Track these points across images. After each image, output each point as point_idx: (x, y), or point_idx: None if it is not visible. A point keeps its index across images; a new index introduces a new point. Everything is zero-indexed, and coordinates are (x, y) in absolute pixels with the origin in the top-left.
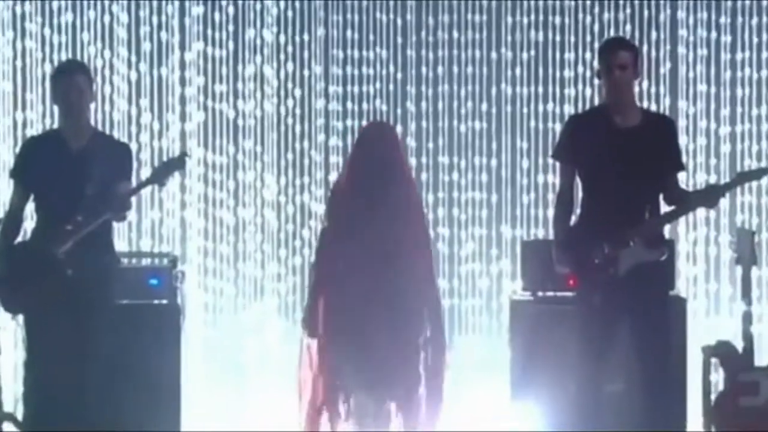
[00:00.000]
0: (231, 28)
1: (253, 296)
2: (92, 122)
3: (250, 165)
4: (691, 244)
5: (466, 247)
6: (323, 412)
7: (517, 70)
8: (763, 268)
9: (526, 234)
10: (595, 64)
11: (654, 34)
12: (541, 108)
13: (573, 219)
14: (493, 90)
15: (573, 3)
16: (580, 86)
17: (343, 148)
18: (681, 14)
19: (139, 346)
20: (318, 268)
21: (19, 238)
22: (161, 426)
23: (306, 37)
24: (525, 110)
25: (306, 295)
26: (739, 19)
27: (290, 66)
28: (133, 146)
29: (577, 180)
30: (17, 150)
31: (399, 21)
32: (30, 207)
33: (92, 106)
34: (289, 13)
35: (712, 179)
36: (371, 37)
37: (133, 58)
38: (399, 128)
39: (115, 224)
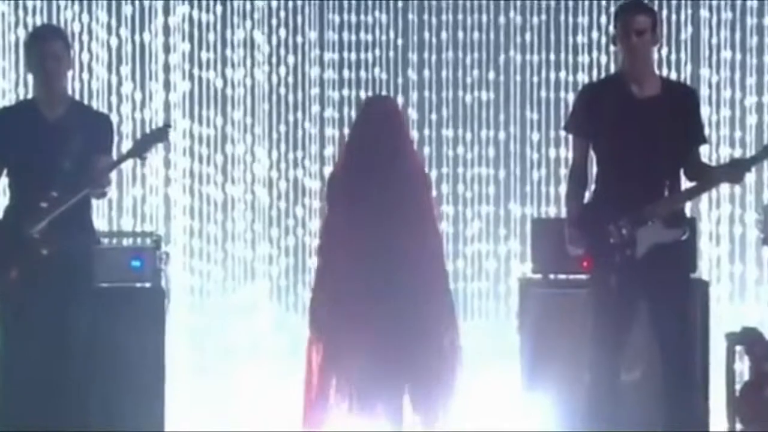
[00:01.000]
0: None
1: (243, 279)
2: (69, 92)
3: (240, 138)
4: (714, 223)
5: (472, 227)
6: (330, 408)
7: (527, 36)
8: None
9: (537, 212)
10: (611, 29)
11: None
12: (552, 76)
13: (587, 196)
14: (501, 57)
15: None
16: (594, 53)
17: (339, 120)
18: None
19: (120, 332)
20: (322, 264)
21: None
22: (144, 418)
23: (299, 0)
24: (535, 79)
25: (310, 294)
26: None
27: (283, 32)
28: (114, 117)
29: (592, 154)
30: None
31: None
32: (2, 183)
33: (69, 74)
34: None
35: (737, 153)
36: (369, 1)
37: (114, 23)
38: (400, 99)
39: (94, 201)
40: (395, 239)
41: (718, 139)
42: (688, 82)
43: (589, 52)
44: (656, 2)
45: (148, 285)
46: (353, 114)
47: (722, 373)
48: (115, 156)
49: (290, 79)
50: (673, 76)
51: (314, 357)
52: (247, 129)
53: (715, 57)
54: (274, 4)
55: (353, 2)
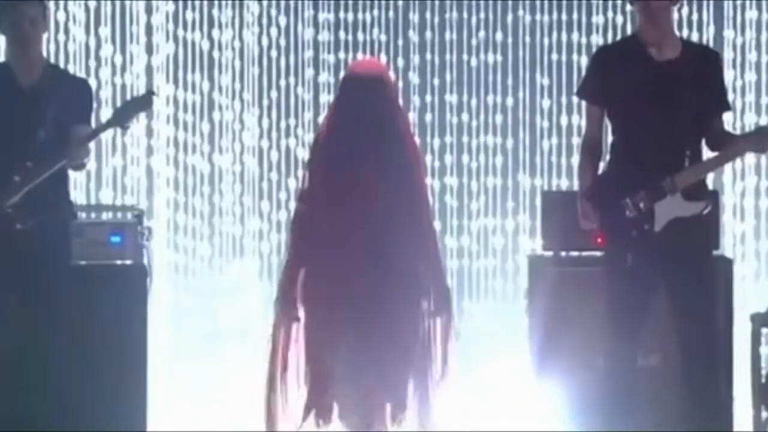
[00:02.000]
0: None
1: (231, 256)
2: (45, 55)
3: (228, 104)
4: (739, 196)
5: (477, 200)
6: (310, 411)
7: None
8: None
9: (547, 184)
10: None
11: None
12: (564, 38)
13: (601, 167)
14: (509, 17)
15: None
16: (609, 13)
17: (335, 85)
18: None
19: (99, 312)
20: (294, 238)
21: None
22: (125, 405)
23: None
24: (546, 41)
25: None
26: None
27: None
28: (92, 83)
29: (606, 122)
30: None
31: None
32: None
33: (45, 36)
34: None
35: (763, 120)
36: None
37: None
38: (400, 62)
39: (71, 173)
40: (380, 212)
41: (743, 105)
42: (711, 44)
43: (604, 12)
44: None
45: (128, 262)
46: None
47: (747, 358)
48: (94, 125)
49: (282, 41)
50: (695, 37)
51: (282, 345)
52: (236, 95)
53: (739, 17)
54: None
55: None
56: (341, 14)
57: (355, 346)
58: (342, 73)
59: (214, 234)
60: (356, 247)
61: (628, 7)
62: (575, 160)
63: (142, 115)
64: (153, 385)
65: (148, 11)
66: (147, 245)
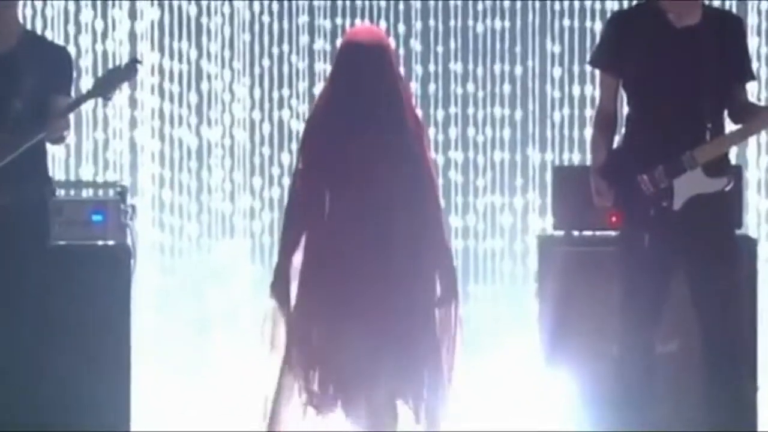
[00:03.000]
0: None
1: (221, 236)
2: (21, 20)
3: (217, 74)
4: (763, 171)
5: (484, 176)
6: (307, 408)
7: None
8: None
9: (558, 159)
10: None
11: None
12: (576, 3)
13: (616, 140)
14: None
15: None
16: None
17: (331, 53)
18: None
19: (79, 296)
20: (289, 220)
21: None
22: (107, 394)
23: None
24: (557, 6)
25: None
26: None
27: None
28: (72, 50)
29: (622, 92)
30: None
31: None
32: None
33: (21, 1)
34: None
35: None
36: None
37: None
38: (402, 29)
39: (49, 147)
40: (382, 191)
41: None
42: (734, 9)
43: None
44: None
45: (111, 243)
46: None
47: None
48: (73, 95)
49: (275, 6)
50: (716, 2)
51: (280, 337)
52: (225, 63)
53: None
54: None
55: None
56: None
57: (357, 335)
58: (339, 41)
59: (202, 212)
60: (355, 229)
61: None
62: (588, 133)
63: (126, 86)
64: (137, 373)
65: None
66: (130, 224)
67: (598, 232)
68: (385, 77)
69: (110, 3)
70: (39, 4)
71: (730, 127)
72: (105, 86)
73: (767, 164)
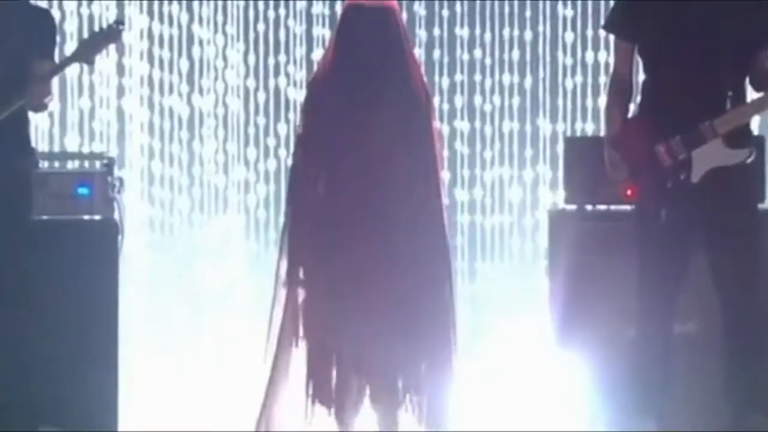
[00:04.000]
0: None
1: (214, 211)
2: None
3: (209, 39)
4: None
5: (492, 148)
6: (314, 402)
7: None
8: None
9: (570, 129)
10: None
11: None
12: None
13: (631, 109)
14: None
15: None
16: None
17: (330, 17)
18: None
19: (64, 274)
20: (291, 196)
21: None
22: (93, 378)
23: None
24: None
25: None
26: None
27: None
28: (56, 14)
29: (638, 58)
30: None
31: None
32: None
33: None
34: None
35: None
36: None
37: None
38: None
39: (31, 115)
40: (385, 165)
41: None
42: None
43: None
44: None
45: (97, 218)
46: None
47: None
48: (57, 60)
49: None
50: None
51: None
52: (218, 28)
53: None
54: None
55: None
56: None
57: (357, 322)
58: (338, 4)
59: (193, 185)
60: (356, 205)
61: None
62: (602, 101)
63: (113, 50)
64: (125, 357)
65: None
66: (118, 198)
67: (612, 207)
68: (391, 42)
69: None
70: None
71: (751, 95)
72: (89, 50)
73: None
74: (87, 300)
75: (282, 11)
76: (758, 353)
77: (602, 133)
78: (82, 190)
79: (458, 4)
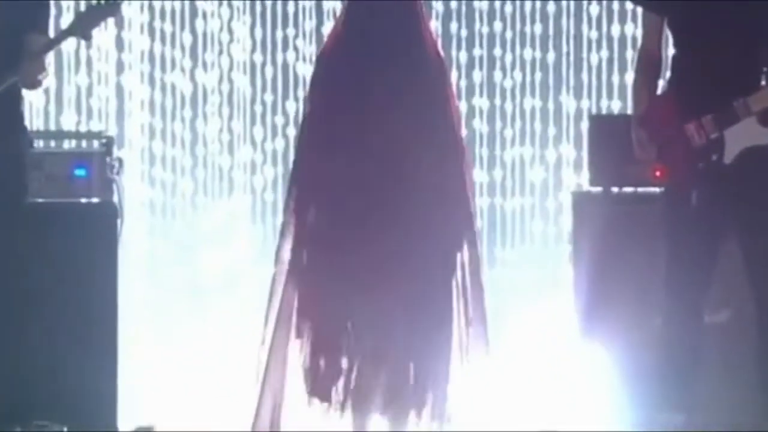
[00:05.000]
0: None
1: (218, 193)
2: None
3: (213, 11)
4: None
5: (512, 126)
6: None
7: None
8: None
9: (595, 107)
10: None
11: None
12: None
13: (661, 86)
14: None
15: None
16: None
17: None
18: None
19: (60, 259)
20: (297, 179)
21: None
22: (92, 368)
23: None
24: None
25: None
26: None
27: None
28: None
29: (667, 32)
30: None
31: None
32: None
33: None
34: None
35: None
36: None
37: None
38: None
39: (25, 93)
40: (400, 150)
41: None
42: None
43: None
44: None
45: (95, 200)
46: None
47: None
48: (52, 34)
49: None
50: None
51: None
52: None
53: None
54: None
55: None
56: None
57: (363, 313)
58: None
59: (197, 166)
60: (365, 192)
61: None
62: (629, 77)
63: (111, 24)
64: (124, 345)
65: None
66: (117, 180)
67: (639, 189)
68: (405, 14)
69: None
70: None
71: None
72: (86, 23)
73: None
74: (84, 287)
75: None
76: None
77: (629, 111)
78: (79, 172)
79: None
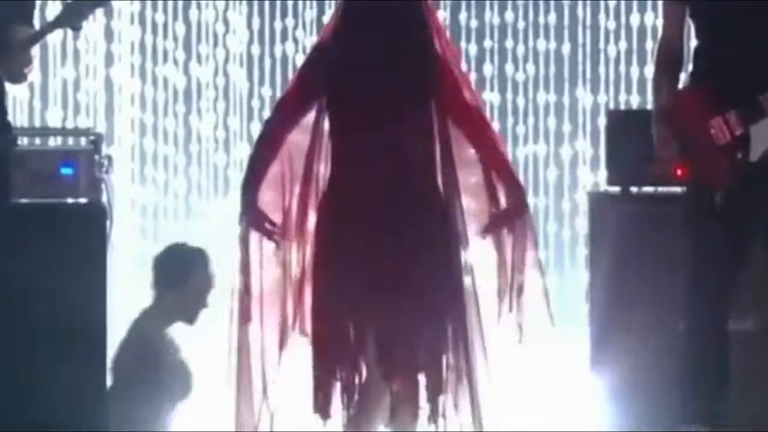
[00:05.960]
0: None
1: (213, 192)
2: None
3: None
4: None
5: (525, 122)
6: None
7: None
8: None
9: (614, 101)
10: None
11: None
12: None
13: (682, 79)
14: None
15: None
16: None
17: None
18: None
19: (46, 263)
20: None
21: None
22: (79, 378)
23: None
24: None
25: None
26: None
27: None
28: None
29: (689, 22)
30: None
31: None
32: None
33: None
34: None
35: None
36: None
37: None
38: None
39: (9, 87)
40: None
41: None
42: None
43: None
44: None
45: (83, 201)
46: None
47: None
48: (38, 25)
49: None
50: None
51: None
52: None
53: None
54: None
55: None
56: None
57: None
58: None
59: (190, 164)
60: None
61: None
62: (649, 70)
63: (100, 14)
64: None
65: None
66: (106, 179)
67: (660, 189)
68: (410, 5)
69: None
70: None
71: None
72: (74, 13)
73: None
74: (72, 291)
75: None
76: None
77: (649, 106)
78: (66, 171)
79: None
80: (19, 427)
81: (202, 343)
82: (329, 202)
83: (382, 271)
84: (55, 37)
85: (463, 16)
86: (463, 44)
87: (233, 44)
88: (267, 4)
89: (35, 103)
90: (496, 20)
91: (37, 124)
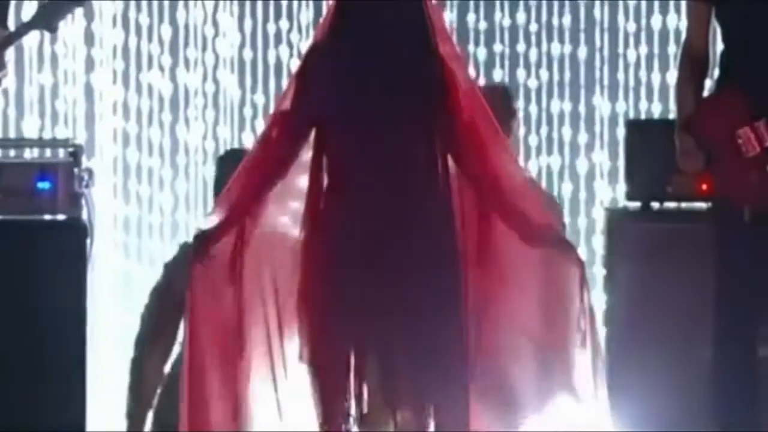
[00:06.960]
0: None
1: (201, 207)
2: None
3: (196, 0)
4: None
5: (537, 132)
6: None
7: None
8: None
9: (633, 110)
10: None
11: None
12: None
13: (708, 86)
14: None
15: None
16: None
17: None
18: None
19: (23, 284)
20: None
21: None
22: (59, 402)
23: None
24: None
25: None
26: None
27: None
28: None
29: (715, 24)
30: None
31: None
32: None
33: None
34: None
35: None
36: None
37: None
38: None
39: None
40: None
41: None
42: None
43: None
44: None
45: (61, 217)
46: None
47: None
48: (12, 26)
49: None
50: None
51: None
52: None
53: None
54: None
55: None
56: None
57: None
58: None
59: (177, 176)
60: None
61: None
62: (672, 76)
63: (79, 15)
64: (95, 376)
65: None
66: (87, 193)
67: (683, 204)
68: (411, 5)
69: None
70: None
71: None
72: (50, 14)
73: None
74: (51, 312)
75: None
76: None
77: (672, 115)
78: (43, 185)
79: None
80: None
81: None
82: (324, 217)
83: (384, 294)
84: (31, 41)
85: (471, 18)
86: (471, 48)
87: (223, 48)
88: (260, 5)
89: (10, 111)
90: (507, 22)
91: (12, 134)
